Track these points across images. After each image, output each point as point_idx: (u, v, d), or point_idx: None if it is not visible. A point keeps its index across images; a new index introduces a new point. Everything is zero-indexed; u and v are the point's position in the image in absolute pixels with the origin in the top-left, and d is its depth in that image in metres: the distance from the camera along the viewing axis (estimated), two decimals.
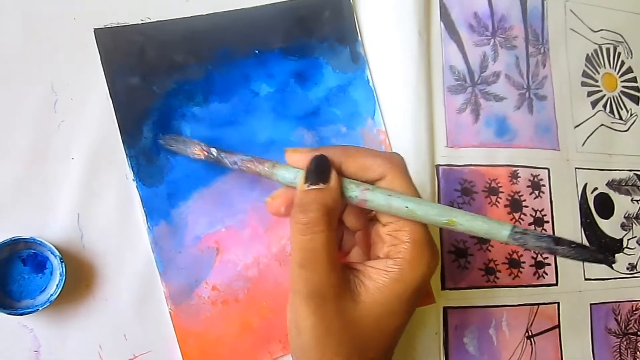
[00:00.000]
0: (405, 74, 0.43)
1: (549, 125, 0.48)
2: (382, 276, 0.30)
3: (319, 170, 0.30)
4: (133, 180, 0.37)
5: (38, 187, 0.35)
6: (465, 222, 0.29)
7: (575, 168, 0.49)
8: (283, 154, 0.34)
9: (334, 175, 0.30)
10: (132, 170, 0.37)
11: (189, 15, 0.39)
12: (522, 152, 0.47)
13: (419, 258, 0.30)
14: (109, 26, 0.38)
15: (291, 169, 0.32)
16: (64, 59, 0.37)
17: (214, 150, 0.35)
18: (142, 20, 0.38)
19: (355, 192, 0.31)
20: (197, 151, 0.36)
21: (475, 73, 0.46)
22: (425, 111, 0.43)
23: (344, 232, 0.35)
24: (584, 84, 0.50)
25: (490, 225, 0.29)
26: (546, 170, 0.47)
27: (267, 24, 0.41)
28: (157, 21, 0.39)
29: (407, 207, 0.30)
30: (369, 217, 0.34)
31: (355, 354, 0.30)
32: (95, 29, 0.37)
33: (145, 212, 0.37)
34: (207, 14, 0.40)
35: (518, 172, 0.46)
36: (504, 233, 0.29)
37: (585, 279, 0.48)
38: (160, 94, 0.38)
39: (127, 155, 0.37)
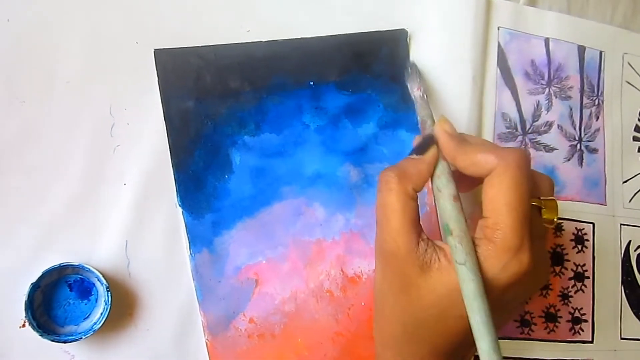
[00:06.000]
0: (456, 118, 0.42)
1: (598, 179, 0.47)
2: None
3: (419, 146, 0.34)
4: (179, 205, 0.37)
5: (89, 211, 0.36)
6: None
7: (620, 224, 0.48)
8: (327, 189, 0.40)
9: (431, 152, 0.33)
10: (179, 195, 0.37)
11: (248, 41, 0.39)
12: (569, 204, 0.46)
13: (496, 259, 0.30)
14: (168, 47, 0.37)
15: None
16: (123, 83, 0.37)
17: (419, 99, 0.38)
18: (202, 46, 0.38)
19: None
20: (414, 91, 0.39)
21: (527, 122, 0.45)
22: None
23: None
24: (635, 139, 0.49)
25: None
26: (591, 225, 0.47)
27: (324, 56, 0.41)
28: (216, 45, 0.38)
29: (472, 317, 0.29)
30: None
31: (411, 322, 0.31)
32: (155, 49, 0.37)
33: (188, 238, 0.37)
34: (266, 41, 0.39)
35: (563, 224, 0.46)
36: None
37: (621, 338, 0.47)
38: (213, 119, 0.38)
39: (175, 179, 0.37)
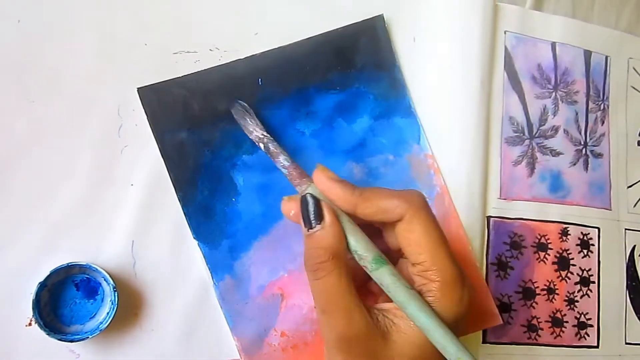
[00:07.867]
0: (464, 122, 0.42)
1: (603, 184, 0.47)
2: None
3: (309, 213, 0.31)
4: (194, 238, 0.37)
5: (96, 211, 0.36)
6: None
7: (625, 229, 0.48)
8: None
9: (327, 213, 0.30)
10: (192, 227, 0.37)
11: (227, 62, 0.38)
12: (574, 209, 0.46)
13: (450, 297, 0.30)
14: (150, 84, 0.37)
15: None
16: (132, 84, 0.37)
17: (269, 145, 0.34)
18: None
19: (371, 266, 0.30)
20: (254, 137, 0.35)
21: (534, 126, 0.45)
22: (481, 161, 0.43)
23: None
24: None
25: None
26: (596, 230, 0.46)
27: (304, 60, 0.40)
28: (195, 72, 0.38)
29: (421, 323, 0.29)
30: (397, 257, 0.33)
31: None
32: (138, 88, 0.37)
33: (209, 268, 0.37)
34: (244, 58, 0.39)
35: (568, 229, 0.46)
36: None
37: (626, 343, 0.47)
38: (209, 146, 0.38)
39: (185, 213, 0.37)
